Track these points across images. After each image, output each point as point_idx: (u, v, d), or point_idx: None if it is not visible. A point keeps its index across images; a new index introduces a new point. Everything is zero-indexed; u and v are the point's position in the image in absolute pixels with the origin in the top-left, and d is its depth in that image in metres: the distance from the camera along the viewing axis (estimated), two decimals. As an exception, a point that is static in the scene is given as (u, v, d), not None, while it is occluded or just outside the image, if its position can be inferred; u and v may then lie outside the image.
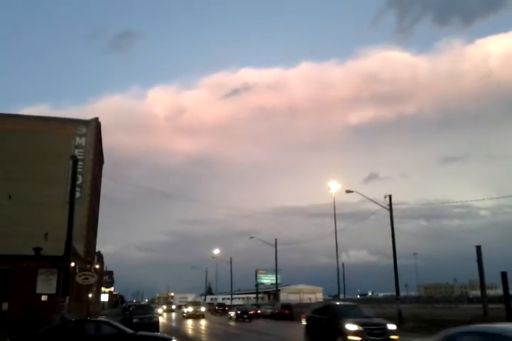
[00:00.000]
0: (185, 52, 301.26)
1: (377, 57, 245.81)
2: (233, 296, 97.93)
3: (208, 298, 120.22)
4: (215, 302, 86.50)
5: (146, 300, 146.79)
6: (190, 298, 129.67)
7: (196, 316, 51.85)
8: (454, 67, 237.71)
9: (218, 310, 65.86)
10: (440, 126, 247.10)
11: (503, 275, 30.40)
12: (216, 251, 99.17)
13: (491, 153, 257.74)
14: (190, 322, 43.67)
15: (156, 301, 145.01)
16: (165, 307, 72.75)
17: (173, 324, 42.96)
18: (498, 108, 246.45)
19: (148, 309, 32.83)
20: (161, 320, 43.28)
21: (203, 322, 44.22)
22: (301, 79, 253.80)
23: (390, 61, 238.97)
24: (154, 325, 27.85)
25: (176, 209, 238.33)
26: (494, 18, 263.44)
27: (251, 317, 45.85)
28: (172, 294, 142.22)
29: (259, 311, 53.48)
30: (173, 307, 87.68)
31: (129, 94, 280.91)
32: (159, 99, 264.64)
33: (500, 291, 33.98)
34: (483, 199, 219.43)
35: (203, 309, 54.43)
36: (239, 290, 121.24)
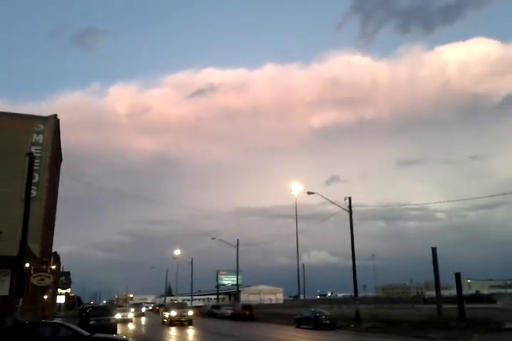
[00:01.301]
0: (148, 50, 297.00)
1: (340, 62, 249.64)
2: (194, 297, 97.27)
3: (168, 299, 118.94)
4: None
5: (104, 301, 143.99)
6: (150, 299, 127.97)
7: (181, 322, 39.04)
8: (413, 73, 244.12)
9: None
10: (399, 130, 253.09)
11: (457, 276, 31.43)
12: (177, 252, 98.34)
13: (447, 157, 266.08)
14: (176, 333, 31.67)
15: (115, 302, 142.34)
16: (132, 310, 55.56)
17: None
18: (454, 114, 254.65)
19: (106, 311, 32.22)
20: (132, 327, 39.65)
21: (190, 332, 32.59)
22: (265, 80, 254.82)
23: (352, 66, 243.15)
24: (112, 327, 27.37)
25: (137, 208, 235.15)
26: (452, 27, 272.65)
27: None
28: (131, 295, 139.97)
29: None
30: (143, 310, 74.67)
31: (89, 91, 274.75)
32: (121, 97, 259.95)
33: (454, 292, 35.07)
34: (440, 202, 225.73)
35: (190, 313, 40.80)
36: (199, 291, 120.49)
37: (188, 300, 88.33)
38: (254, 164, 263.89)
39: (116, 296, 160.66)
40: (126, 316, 46.36)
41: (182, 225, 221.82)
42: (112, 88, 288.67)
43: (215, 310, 59.38)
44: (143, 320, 55.46)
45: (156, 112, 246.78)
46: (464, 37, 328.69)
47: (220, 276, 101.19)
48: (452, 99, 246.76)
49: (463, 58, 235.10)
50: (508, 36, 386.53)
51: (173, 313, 39.89)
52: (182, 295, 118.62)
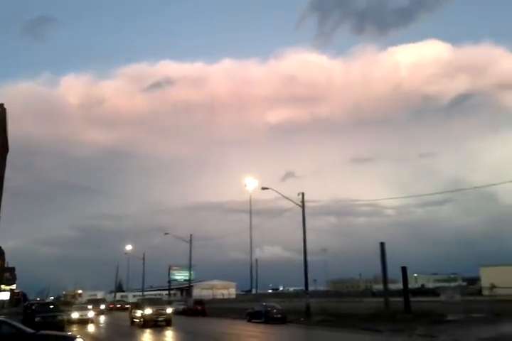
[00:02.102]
0: (103, 41, 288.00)
1: (297, 59, 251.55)
2: (145, 293, 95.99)
3: (118, 295, 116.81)
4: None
5: (52, 298, 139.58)
6: (100, 295, 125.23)
7: (156, 323, 31.96)
8: (367, 72, 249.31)
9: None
10: (353, 128, 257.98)
11: (403, 270, 32.48)
12: (129, 247, 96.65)
13: (398, 155, 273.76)
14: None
15: (63, 299, 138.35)
16: (90, 307, 44.46)
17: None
18: (406, 113, 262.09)
19: (53, 307, 31.30)
20: (94, 329, 33.22)
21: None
22: (222, 75, 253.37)
23: (309, 63, 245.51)
24: (59, 324, 26.63)
25: (89, 202, 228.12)
26: (406, 29, 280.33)
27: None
28: (80, 291, 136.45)
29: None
30: (103, 307, 63.42)
31: (40, 80, 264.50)
32: (73, 87, 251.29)
33: (401, 285, 36.15)
34: (389, 199, 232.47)
35: (169, 310, 33.49)
36: (151, 286, 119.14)
37: (140, 295, 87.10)
38: (210, 158, 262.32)
39: (64, 292, 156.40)
40: (86, 315, 38.43)
41: (135, 220, 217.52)
42: (65, 78, 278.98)
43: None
44: (102, 319, 47.34)
45: (111, 104, 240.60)
46: (416, 39, 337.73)
47: (172, 271, 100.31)
48: (404, 99, 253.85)
49: (415, 59, 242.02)
50: (458, 39, 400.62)
51: (148, 311, 31.59)
52: (133, 290, 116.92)
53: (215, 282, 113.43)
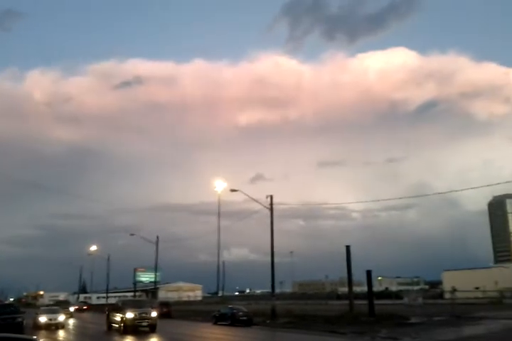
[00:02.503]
0: (72, 36, 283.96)
1: (268, 62, 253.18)
2: (109, 295, 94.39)
3: (82, 296, 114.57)
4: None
5: (11, 299, 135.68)
6: (62, 296, 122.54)
7: (136, 328, 27.82)
8: (336, 77, 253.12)
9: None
10: (322, 132, 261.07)
11: (368, 273, 32.92)
12: (93, 248, 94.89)
13: (365, 160, 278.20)
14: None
15: (24, 300, 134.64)
16: (58, 308, 39.30)
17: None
18: (373, 119, 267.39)
19: (13, 309, 30.37)
20: (64, 335, 29.00)
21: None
22: (193, 75, 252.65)
23: (280, 67, 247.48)
24: (18, 327, 25.85)
25: (53, 202, 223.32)
26: (375, 36, 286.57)
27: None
28: (41, 292, 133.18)
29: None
30: (72, 309, 56.68)
31: (5, 75, 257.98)
32: (39, 83, 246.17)
33: (366, 288, 36.68)
34: (355, 202, 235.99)
35: (153, 314, 28.74)
36: (115, 288, 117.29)
37: (104, 297, 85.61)
38: (179, 159, 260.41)
39: (24, 293, 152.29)
40: (56, 319, 32.85)
41: (101, 220, 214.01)
42: (31, 73, 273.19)
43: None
44: (71, 322, 42.27)
45: (78, 101, 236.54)
46: (385, 46, 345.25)
47: (137, 273, 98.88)
48: (372, 104, 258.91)
49: (383, 66, 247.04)
50: (425, 48, 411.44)
51: (130, 315, 27.37)
52: (97, 292, 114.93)
53: (181, 284, 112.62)
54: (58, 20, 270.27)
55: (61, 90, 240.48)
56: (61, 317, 33.64)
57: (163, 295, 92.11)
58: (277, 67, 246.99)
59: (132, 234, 71.28)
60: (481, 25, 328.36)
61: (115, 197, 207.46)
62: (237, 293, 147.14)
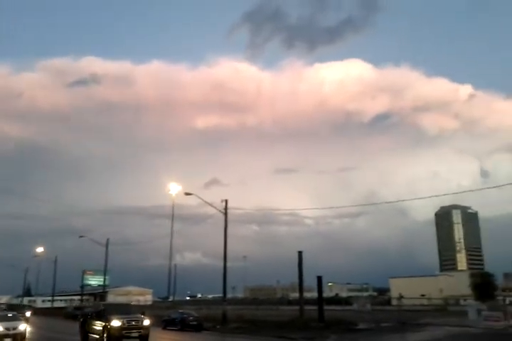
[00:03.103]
0: (24, 31, 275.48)
1: (228, 67, 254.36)
2: (55, 298, 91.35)
3: (26, 299, 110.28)
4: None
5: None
6: (4, 299, 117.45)
7: (122, 337, 22.58)
8: (294, 86, 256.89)
9: None
10: (278, 139, 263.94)
11: (319, 279, 33.31)
12: (40, 249, 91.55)
13: (319, 168, 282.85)
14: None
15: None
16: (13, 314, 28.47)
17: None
18: (328, 128, 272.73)
19: None
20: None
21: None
22: (150, 76, 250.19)
23: (239, 73, 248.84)
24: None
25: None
26: (333, 48, 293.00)
27: None
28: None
29: None
30: (28, 314, 46.47)
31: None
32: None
33: (317, 294, 37.06)
34: (308, 209, 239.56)
35: (146, 322, 23.39)
36: (62, 291, 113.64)
37: (49, 300, 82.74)
38: (133, 161, 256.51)
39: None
40: (15, 327, 23.83)
41: (49, 221, 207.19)
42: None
43: (77, 312, 56.09)
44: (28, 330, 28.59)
45: (29, 98, 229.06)
46: (342, 57, 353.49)
47: (86, 276, 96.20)
48: (328, 114, 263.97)
49: (340, 77, 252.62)
50: (380, 61, 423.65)
51: (116, 323, 22.12)
52: (42, 295, 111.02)
53: (131, 288, 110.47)
54: (11, 14, 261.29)
55: (10, 85, 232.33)
56: (22, 326, 24.38)
57: (111, 299, 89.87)
58: (236, 72, 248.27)
59: (82, 236, 69.23)
60: (434, 41, 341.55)
61: (66, 198, 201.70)
62: (188, 298, 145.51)
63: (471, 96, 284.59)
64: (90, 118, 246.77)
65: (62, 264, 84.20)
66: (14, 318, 25.56)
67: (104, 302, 34.51)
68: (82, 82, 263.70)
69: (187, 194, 38.82)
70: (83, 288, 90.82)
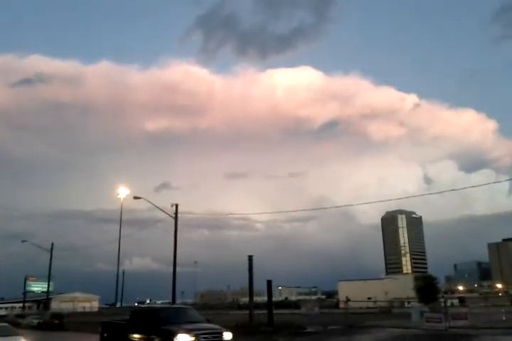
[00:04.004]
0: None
1: (180, 70, 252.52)
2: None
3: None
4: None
5: None
6: None
7: None
8: (246, 91, 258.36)
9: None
10: (230, 144, 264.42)
11: (269, 283, 33.53)
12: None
13: (270, 173, 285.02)
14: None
15: None
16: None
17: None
18: (279, 133, 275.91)
19: None
20: None
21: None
22: (100, 77, 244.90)
23: (191, 76, 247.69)
24: None
25: None
26: (284, 55, 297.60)
27: None
28: None
29: None
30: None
31: None
32: None
33: (267, 298, 37.28)
34: (259, 213, 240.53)
35: (228, 336, 15.90)
36: (2, 298, 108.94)
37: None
38: (80, 163, 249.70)
39: None
40: None
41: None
42: None
43: (20, 320, 53.96)
44: None
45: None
46: (293, 64, 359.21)
47: (28, 282, 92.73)
48: (279, 120, 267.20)
49: (291, 84, 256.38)
50: (330, 70, 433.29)
51: (186, 339, 14.51)
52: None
53: (77, 294, 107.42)
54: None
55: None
56: None
57: (56, 306, 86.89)
58: (189, 76, 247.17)
59: (24, 241, 66.68)
60: (382, 50, 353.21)
61: (7, 201, 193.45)
62: (137, 304, 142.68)
63: (416, 105, 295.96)
64: (35, 119, 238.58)
65: (4, 270, 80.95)
66: (8, 332, 17.16)
67: (154, 305, 22.35)
68: (26, 81, 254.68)
69: (136, 198, 38.23)
70: (25, 295, 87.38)
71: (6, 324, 19.19)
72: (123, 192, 65.11)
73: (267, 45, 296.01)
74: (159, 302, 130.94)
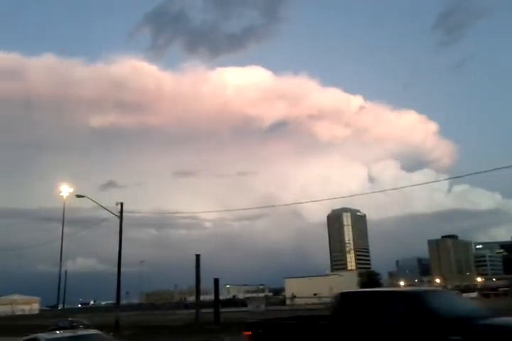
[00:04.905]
0: None
1: (128, 66, 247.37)
2: None
3: None
4: None
5: None
6: None
7: None
8: (196, 89, 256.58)
9: None
10: (178, 141, 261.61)
11: (216, 281, 33.60)
12: None
13: (219, 171, 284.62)
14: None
15: None
16: None
17: None
18: (229, 132, 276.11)
19: None
20: None
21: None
22: (43, 70, 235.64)
23: (140, 72, 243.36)
24: None
25: None
26: (235, 54, 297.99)
27: None
28: None
29: None
30: None
31: None
32: None
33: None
34: (207, 212, 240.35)
35: None
36: None
37: None
38: (21, 160, 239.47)
39: None
40: None
41: None
42: None
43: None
44: None
45: None
46: (243, 64, 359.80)
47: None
48: (228, 118, 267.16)
49: (241, 83, 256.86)
50: (280, 70, 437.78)
51: None
52: None
53: (16, 297, 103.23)
54: None
55: None
56: None
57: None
58: (137, 72, 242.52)
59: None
60: (330, 52, 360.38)
61: None
62: (80, 306, 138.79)
63: (361, 106, 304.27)
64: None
65: None
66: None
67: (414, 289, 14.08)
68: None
69: (78, 196, 37.20)
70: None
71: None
72: (66, 190, 63.11)
73: (217, 43, 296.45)
74: (103, 303, 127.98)
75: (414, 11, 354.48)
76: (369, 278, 54.90)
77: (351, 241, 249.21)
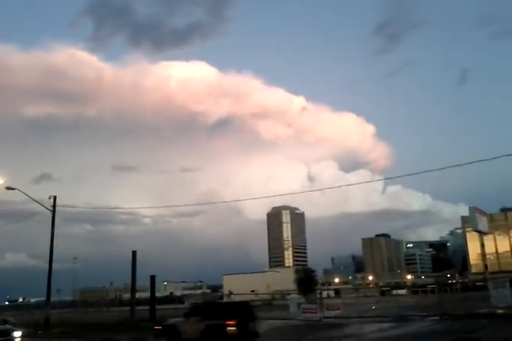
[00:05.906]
0: None
1: (66, 55, 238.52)
2: None
3: None
4: None
5: None
6: None
7: None
8: (139, 81, 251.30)
9: None
10: (118, 135, 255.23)
11: (152, 278, 33.23)
12: None
13: (160, 167, 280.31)
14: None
15: None
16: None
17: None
18: (172, 127, 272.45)
19: None
20: None
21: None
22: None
23: (79, 61, 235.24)
24: None
25: None
26: (179, 49, 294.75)
27: None
28: None
29: None
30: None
31: None
32: None
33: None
34: (147, 208, 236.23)
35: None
36: None
37: None
38: None
39: None
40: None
41: None
42: None
43: None
44: None
45: None
46: (188, 59, 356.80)
47: None
48: (172, 113, 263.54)
49: (185, 77, 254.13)
50: (224, 67, 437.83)
51: None
52: None
53: None
54: None
55: None
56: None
57: None
58: (75, 61, 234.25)
59: None
60: (274, 52, 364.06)
61: None
62: (7, 303, 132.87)
63: (304, 107, 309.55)
64: None
65: None
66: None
67: None
68: None
69: (9, 188, 35.45)
70: None
71: None
72: (-5, 182, 59.95)
73: (161, 38, 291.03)
74: (34, 300, 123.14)
75: (358, 19, 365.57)
76: (305, 274, 56.05)
77: (290, 239, 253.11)
